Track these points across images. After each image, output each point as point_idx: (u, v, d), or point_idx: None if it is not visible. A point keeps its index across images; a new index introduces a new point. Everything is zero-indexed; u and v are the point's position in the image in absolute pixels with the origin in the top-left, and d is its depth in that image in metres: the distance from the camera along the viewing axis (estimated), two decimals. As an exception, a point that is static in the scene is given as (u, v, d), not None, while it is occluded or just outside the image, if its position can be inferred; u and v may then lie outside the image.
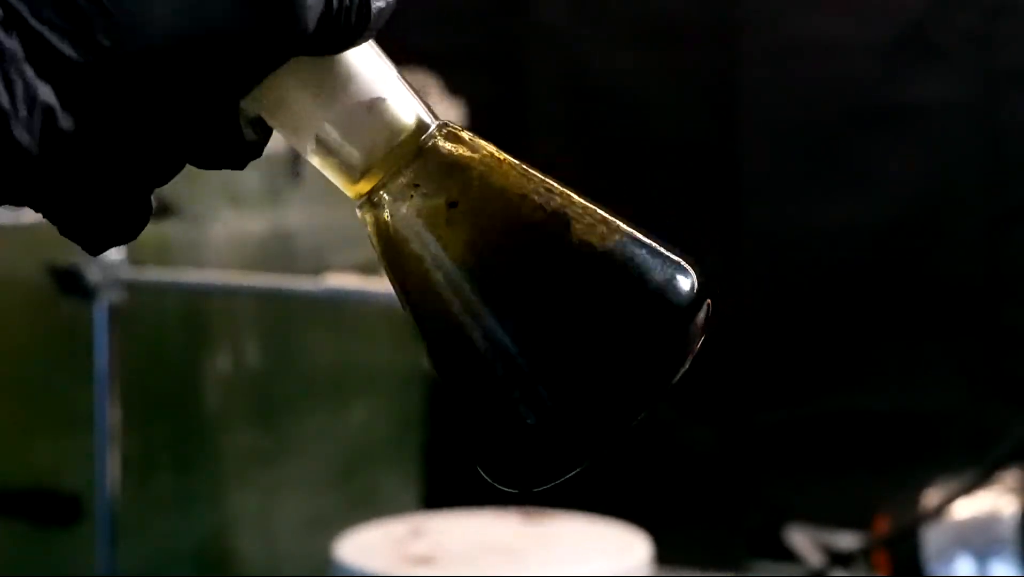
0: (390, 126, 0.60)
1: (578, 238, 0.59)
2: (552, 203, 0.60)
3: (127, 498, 1.84)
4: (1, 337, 1.86)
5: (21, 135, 0.53)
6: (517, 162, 0.61)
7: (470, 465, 0.60)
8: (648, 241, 0.60)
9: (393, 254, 0.60)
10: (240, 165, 0.61)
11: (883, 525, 2.13)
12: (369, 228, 0.61)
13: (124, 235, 0.59)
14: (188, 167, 0.60)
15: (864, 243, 2.48)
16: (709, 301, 0.61)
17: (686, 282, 0.60)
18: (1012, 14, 2.43)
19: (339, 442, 2.20)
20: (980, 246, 2.44)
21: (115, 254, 1.76)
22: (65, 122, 0.54)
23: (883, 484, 2.27)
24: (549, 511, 1.88)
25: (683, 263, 0.61)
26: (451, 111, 2.27)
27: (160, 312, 1.99)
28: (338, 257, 2.08)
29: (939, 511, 2.00)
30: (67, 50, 0.53)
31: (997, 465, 2.01)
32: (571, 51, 2.58)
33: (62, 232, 0.59)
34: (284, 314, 2.12)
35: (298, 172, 2.07)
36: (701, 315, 0.60)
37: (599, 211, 0.60)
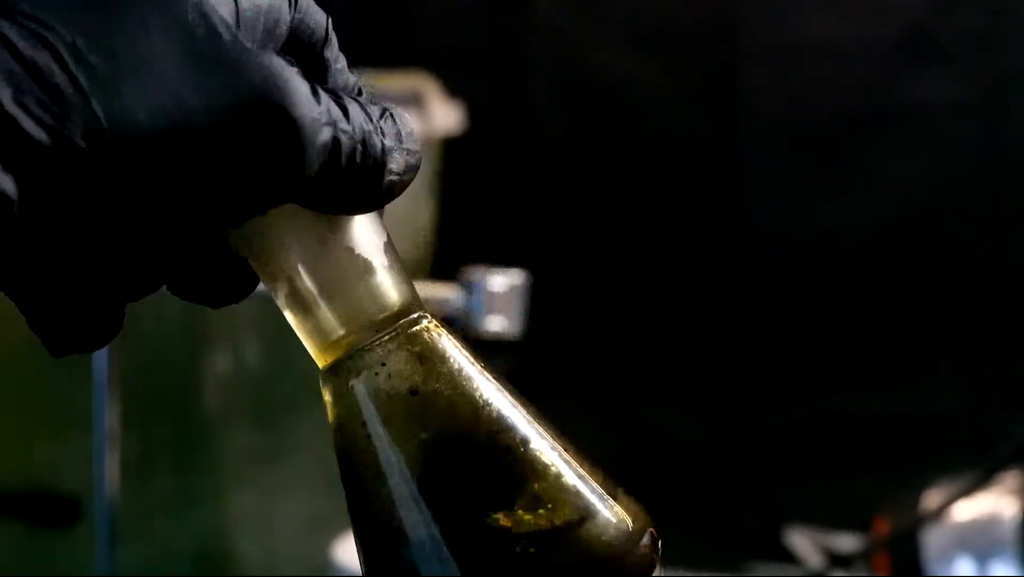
0: (375, 301, 0.59)
1: (524, 472, 0.58)
2: (510, 419, 0.59)
3: (126, 499, 1.84)
4: (0, 337, 1.85)
5: None
6: (491, 374, 0.60)
7: None
8: (594, 483, 0.60)
9: (343, 424, 0.60)
10: (221, 301, 0.59)
11: (883, 527, 2.12)
12: (326, 395, 0.60)
13: (89, 344, 0.57)
14: None
15: (864, 244, 2.48)
16: (653, 530, 0.61)
17: (614, 527, 0.60)
18: (1013, 15, 2.42)
19: (338, 443, 2.19)
20: (981, 247, 2.44)
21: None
22: (21, 214, 0.50)
23: (883, 485, 2.27)
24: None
25: (616, 505, 0.60)
26: (451, 112, 2.27)
27: (159, 312, 1.99)
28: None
29: (939, 513, 2.00)
30: (39, 135, 0.50)
31: (998, 467, 2.01)
32: (571, 51, 2.58)
33: (29, 325, 0.57)
34: (283, 315, 2.12)
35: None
36: (642, 550, 0.60)
37: (554, 444, 0.60)
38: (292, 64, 0.55)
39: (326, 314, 0.59)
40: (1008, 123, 2.44)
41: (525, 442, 0.59)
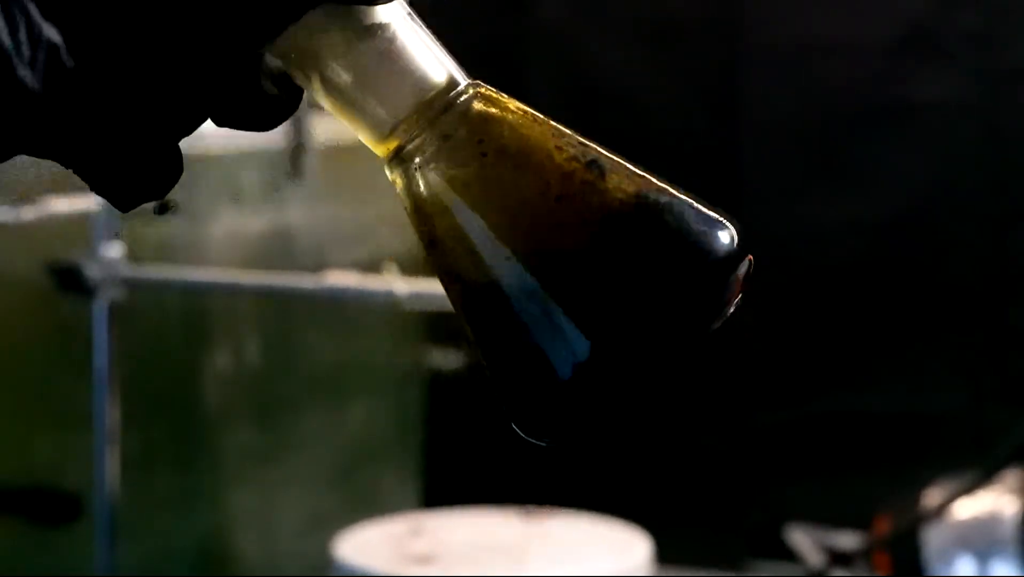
0: (420, 82, 0.59)
1: (614, 187, 0.59)
2: (587, 154, 0.59)
3: (127, 496, 1.84)
4: (1, 335, 1.85)
5: (25, 74, 0.51)
6: (549, 120, 0.60)
7: (504, 416, 0.60)
8: (687, 198, 0.60)
9: (422, 209, 0.59)
10: (264, 124, 0.58)
11: (884, 525, 2.12)
12: (398, 185, 0.60)
13: (153, 189, 0.57)
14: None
15: (866, 243, 2.48)
16: (751, 257, 0.60)
17: (725, 235, 0.60)
18: (1014, 14, 2.42)
19: (339, 440, 2.19)
20: (982, 246, 2.44)
21: (114, 252, 1.76)
22: (70, 61, 0.52)
23: (884, 484, 2.27)
24: (549, 510, 1.88)
25: (722, 220, 0.60)
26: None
27: (160, 310, 1.99)
28: (338, 255, 2.08)
29: (940, 511, 2.00)
30: None
31: (998, 466, 2.01)
32: (572, 50, 2.58)
33: (92, 188, 0.57)
34: (284, 312, 2.12)
35: (298, 170, 2.07)
36: (742, 269, 0.60)
37: (634, 168, 0.60)
38: None
39: (373, 105, 0.59)
40: (1009, 122, 2.44)
41: (604, 171, 0.59)
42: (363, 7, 0.58)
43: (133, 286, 1.80)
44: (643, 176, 0.60)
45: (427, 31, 0.60)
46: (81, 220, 1.76)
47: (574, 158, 0.59)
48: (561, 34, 2.58)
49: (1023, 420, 2.15)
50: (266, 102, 0.58)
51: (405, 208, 0.59)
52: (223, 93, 0.57)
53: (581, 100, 2.58)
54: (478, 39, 2.61)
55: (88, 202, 1.75)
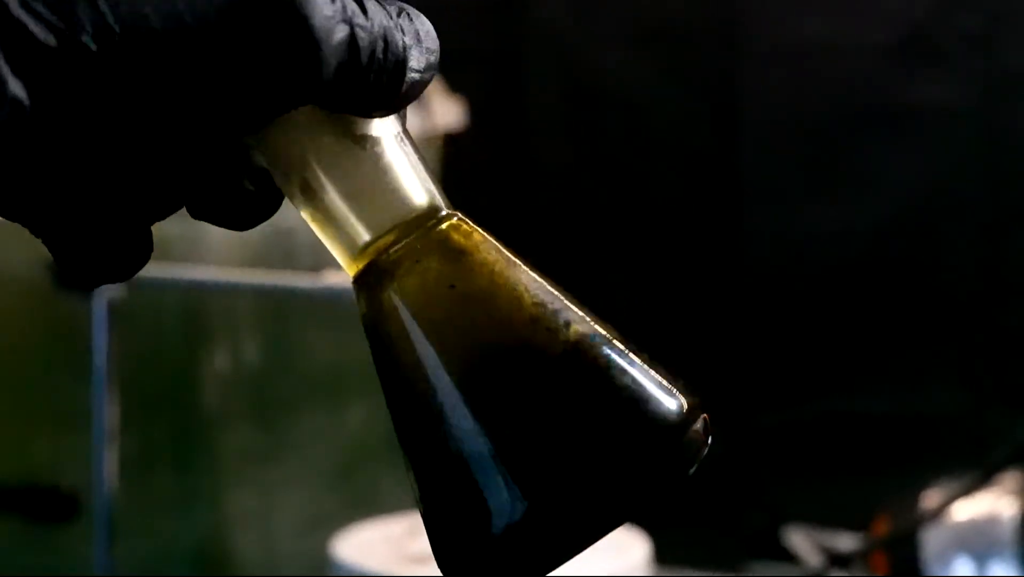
0: (402, 204, 0.58)
1: (576, 340, 0.57)
2: (554, 303, 0.58)
3: (125, 495, 1.84)
4: (-1, 333, 1.85)
5: None
6: (523, 261, 0.59)
7: (437, 560, 0.59)
8: (644, 362, 0.59)
9: (380, 332, 0.58)
10: (241, 223, 0.57)
11: (882, 527, 2.12)
12: (360, 303, 0.58)
13: (118, 271, 0.55)
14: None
15: (864, 246, 2.48)
16: (706, 416, 0.60)
17: (673, 404, 0.59)
18: (1014, 18, 2.42)
19: (338, 440, 2.19)
20: (981, 249, 2.44)
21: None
22: (34, 118, 0.49)
23: (882, 486, 2.27)
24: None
25: (675, 389, 0.59)
26: (452, 108, 2.27)
27: (159, 309, 1.99)
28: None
29: (938, 513, 2.00)
30: (46, 38, 0.49)
31: (997, 467, 2.01)
32: (571, 50, 2.58)
33: (56, 262, 0.56)
34: (283, 312, 2.12)
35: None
36: (691, 439, 0.59)
37: (600, 327, 0.59)
38: None
39: (351, 220, 0.58)
40: (1008, 125, 2.44)
41: (568, 324, 0.58)
42: (357, 117, 0.56)
43: (132, 285, 1.80)
44: (606, 334, 0.58)
45: (417, 151, 0.58)
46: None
47: (541, 304, 0.58)
48: (561, 32, 2.58)
49: (1022, 422, 2.15)
50: (245, 200, 0.56)
51: (364, 326, 0.58)
52: (199, 183, 0.55)
53: (580, 100, 2.58)
54: (478, 37, 2.61)
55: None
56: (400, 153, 0.58)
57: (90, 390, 1.81)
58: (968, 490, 2.00)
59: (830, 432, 2.47)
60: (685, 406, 0.60)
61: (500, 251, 0.59)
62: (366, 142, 0.57)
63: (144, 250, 0.56)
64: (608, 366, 0.58)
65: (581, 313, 0.59)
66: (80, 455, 1.85)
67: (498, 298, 0.58)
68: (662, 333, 2.59)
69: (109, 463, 1.81)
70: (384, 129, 0.58)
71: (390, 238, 0.58)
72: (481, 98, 2.43)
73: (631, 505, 0.57)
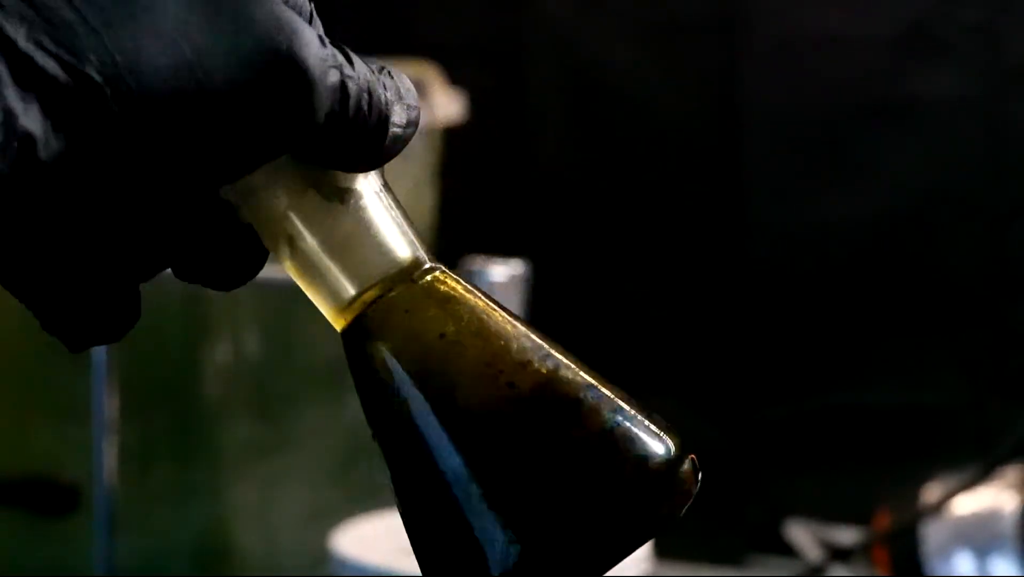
0: (385, 258, 0.58)
1: (565, 383, 0.58)
2: (542, 347, 0.59)
3: (125, 488, 1.84)
4: None
5: None
6: (509, 314, 0.60)
7: None
8: (630, 406, 0.60)
9: (370, 385, 0.59)
10: (227, 283, 0.57)
11: (883, 521, 2.12)
12: (349, 355, 0.59)
13: (107, 333, 0.56)
14: None
15: (867, 239, 2.48)
16: (694, 456, 0.62)
17: (661, 448, 0.60)
18: (1018, 10, 2.42)
19: (339, 434, 2.19)
20: (984, 242, 2.44)
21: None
22: (44, 152, 0.49)
23: (884, 480, 2.26)
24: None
25: (663, 434, 0.61)
26: (452, 101, 2.27)
27: (159, 302, 1.99)
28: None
29: (940, 507, 2.00)
30: (56, 72, 0.49)
31: (999, 461, 2.01)
32: (573, 44, 2.57)
33: (43, 325, 0.56)
34: (284, 305, 2.12)
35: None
36: (680, 481, 0.60)
37: (587, 374, 0.60)
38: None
39: (336, 274, 0.59)
40: (1011, 118, 2.43)
41: (556, 369, 0.59)
42: (339, 172, 0.57)
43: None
44: (591, 378, 0.59)
45: (398, 205, 0.59)
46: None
47: (529, 349, 0.59)
48: (563, 28, 2.57)
49: (1023, 416, 2.15)
50: (232, 258, 0.57)
51: (354, 378, 0.59)
52: (185, 240, 0.55)
53: (582, 94, 2.58)
54: (480, 31, 2.60)
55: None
56: (382, 207, 0.58)
57: (90, 382, 1.81)
58: (970, 484, 1.99)
59: (831, 426, 2.47)
60: (674, 448, 0.61)
61: (483, 300, 0.60)
62: (349, 197, 0.58)
63: (132, 311, 0.56)
64: (597, 410, 0.58)
65: (566, 360, 0.59)
66: (80, 448, 1.85)
67: (486, 345, 0.58)
68: (664, 327, 2.59)
69: (109, 456, 1.81)
70: (366, 184, 0.58)
71: (376, 291, 0.58)
72: (482, 92, 2.43)
73: (624, 545, 0.58)
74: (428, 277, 0.58)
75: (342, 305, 0.59)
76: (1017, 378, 2.40)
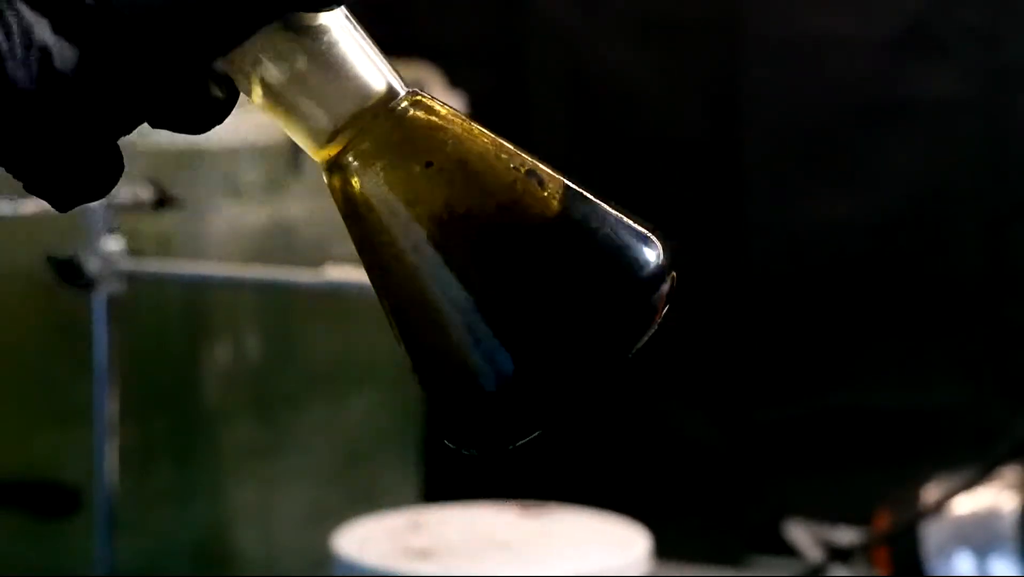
0: (361, 89, 0.59)
1: (550, 197, 0.59)
2: (525, 164, 0.59)
3: (126, 490, 1.84)
4: (0, 328, 1.85)
5: (17, 73, 0.52)
6: (486, 131, 0.60)
7: (433, 427, 0.60)
8: (617, 213, 0.60)
9: (359, 217, 0.59)
10: (201, 127, 0.58)
11: (883, 521, 2.12)
12: (335, 191, 0.59)
13: (92, 189, 0.57)
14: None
15: (866, 239, 2.48)
16: (674, 273, 0.60)
17: (651, 254, 0.60)
18: (1016, 11, 2.42)
19: (339, 435, 2.19)
20: (983, 243, 2.44)
21: (114, 245, 1.76)
22: (59, 62, 0.53)
23: (884, 480, 2.27)
24: (548, 505, 1.88)
25: (650, 236, 0.60)
26: (453, 104, 2.27)
27: (159, 304, 1.99)
28: (339, 249, 2.08)
29: (939, 507, 2.00)
30: None
31: (998, 462, 2.01)
32: (573, 45, 2.58)
33: (28, 188, 0.57)
34: (284, 306, 2.12)
35: (298, 164, 2.07)
36: (665, 286, 0.60)
37: (569, 182, 0.60)
38: None
39: (313, 110, 0.59)
40: (1010, 118, 2.44)
41: (542, 183, 0.59)
42: (303, 13, 0.58)
43: (133, 280, 1.79)
44: (576, 189, 0.60)
45: (367, 39, 0.59)
46: (80, 213, 1.76)
47: (515, 168, 0.59)
48: (562, 29, 2.57)
49: (1023, 416, 2.15)
50: (206, 105, 0.58)
51: (341, 213, 0.60)
52: (167, 97, 0.57)
53: (582, 94, 2.58)
54: (480, 32, 2.61)
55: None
56: (351, 42, 0.59)
57: (91, 385, 1.81)
58: (969, 485, 2.00)
59: (831, 427, 2.47)
60: (661, 257, 0.60)
61: (463, 120, 0.60)
62: (317, 34, 0.58)
63: (115, 164, 0.57)
64: (586, 219, 0.59)
65: (551, 173, 0.60)
66: (81, 450, 1.85)
67: (474, 165, 0.59)
68: (666, 328, 2.59)
69: (110, 458, 1.81)
70: (332, 20, 0.59)
71: (355, 123, 0.59)
72: (482, 92, 2.43)
73: (610, 352, 0.58)
74: (404, 105, 0.59)
75: (322, 140, 0.59)
76: (1017, 379, 2.40)
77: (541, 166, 0.60)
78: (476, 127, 0.60)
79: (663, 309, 0.60)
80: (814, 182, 2.50)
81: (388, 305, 0.60)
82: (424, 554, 1.73)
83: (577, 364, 0.58)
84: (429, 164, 0.59)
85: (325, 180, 0.60)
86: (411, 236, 0.58)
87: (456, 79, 2.32)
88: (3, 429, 1.92)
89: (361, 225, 0.59)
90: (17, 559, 1.92)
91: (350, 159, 0.59)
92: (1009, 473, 2.02)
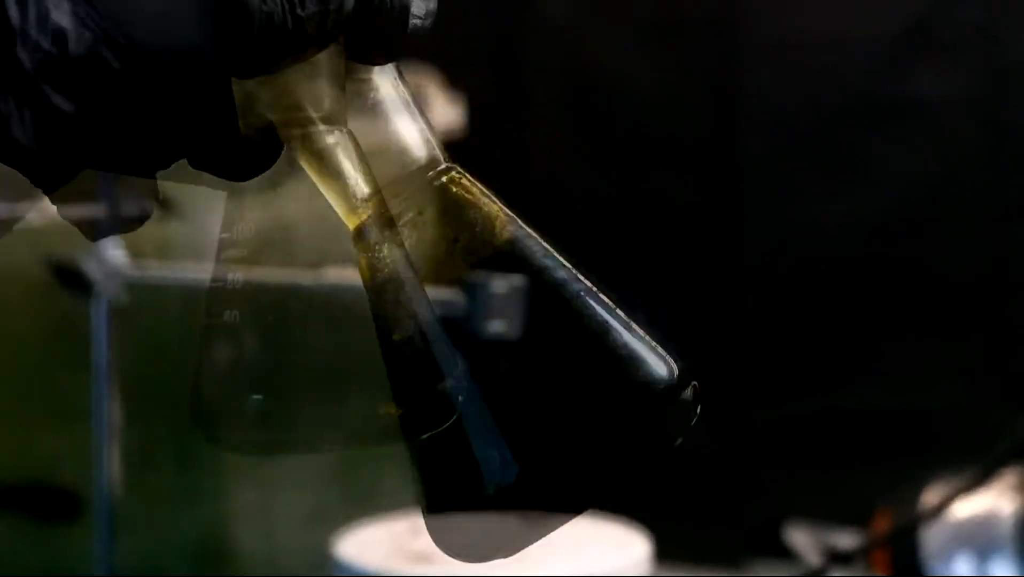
0: (402, 155, 0.58)
1: (568, 306, 0.58)
2: (549, 265, 0.59)
3: (126, 493, 1.84)
4: (1, 332, 1.85)
5: (24, 56, 0.52)
6: (516, 215, 0.60)
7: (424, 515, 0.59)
8: (630, 324, 0.60)
9: (382, 284, 0.59)
10: (240, 173, 0.58)
11: (883, 523, 2.12)
12: (361, 256, 0.60)
13: (125, 221, 0.58)
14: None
15: (866, 239, 2.48)
16: (696, 384, 0.61)
17: (663, 370, 0.60)
18: (1017, 9, 2.42)
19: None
20: (983, 243, 2.44)
21: (115, 250, 1.76)
22: (75, 45, 0.53)
23: (883, 482, 2.26)
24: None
25: (663, 353, 0.60)
26: (452, 105, 2.27)
27: (160, 307, 1.99)
28: (339, 251, 2.07)
29: (939, 510, 2.00)
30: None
31: (998, 464, 2.01)
32: (572, 45, 2.57)
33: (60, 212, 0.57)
34: (284, 306, 2.11)
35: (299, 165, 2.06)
36: (682, 402, 0.60)
37: (592, 287, 0.60)
38: None
39: (350, 171, 0.58)
40: (1010, 118, 2.44)
41: (565, 285, 0.58)
42: (359, 65, 0.57)
43: (133, 283, 1.79)
44: (603, 298, 0.59)
45: (416, 103, 0.58)
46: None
47: (539, 267, 0.59)
48: (562, 29, 2.57)
49: (1023, 418, 2.15)
50: (247, 151, 0.58)
51: (364, 281, 0.58)
52: (203, 132, 0.56)
53: (581, 95, 2.58)
54: (479, 33, 2.60)
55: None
56: (399, 104, 0.58)
57: (91, 387, 1.81)
58: (969, 487, 1.99)
59: (831, 429, 2.47)
60: (676, 371, 0.60)
61: (497, 206, 0.60)
62: (367, 92, 0.58)
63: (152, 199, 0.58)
64: (604, 330, 0.58)
65: (579, 277, 0.59)
66: (81, 452, 1.85)
67: (500, 252, 0.59)
68: (665, 328, 2.59)
69: (110, 460, 1.81)
70: (383, 80, 0.58)
71: (392, 190, 0.58)
72: (482, 92, 2.43)
73: (622, 469, 0.58)
74: (444, 178, 0.58)
75: (356, 202, 0.58)
76: (1017, 381, 2.40)
77: (570, 269, 0.60)
78: (511, 214, 0.60)
79: (690, 420, 0.60)
80: (814, 181, 2.50)
81: (395, 380, 0.59)
82: (424, 558, 1.73)
83: (580, 479, 0.57)
84: (456, 240, 0.58)
85: (352, 246, 0.60)
86: (429, 316, 0.58)
87: (455, 80, 2.32)
88: (3, 432, 1.92)
89: (382, 293, 0.60)
90: (17, 563, 1.92)
91: (380, 225, 0.58)
92: (1009, 475, 2.02)
